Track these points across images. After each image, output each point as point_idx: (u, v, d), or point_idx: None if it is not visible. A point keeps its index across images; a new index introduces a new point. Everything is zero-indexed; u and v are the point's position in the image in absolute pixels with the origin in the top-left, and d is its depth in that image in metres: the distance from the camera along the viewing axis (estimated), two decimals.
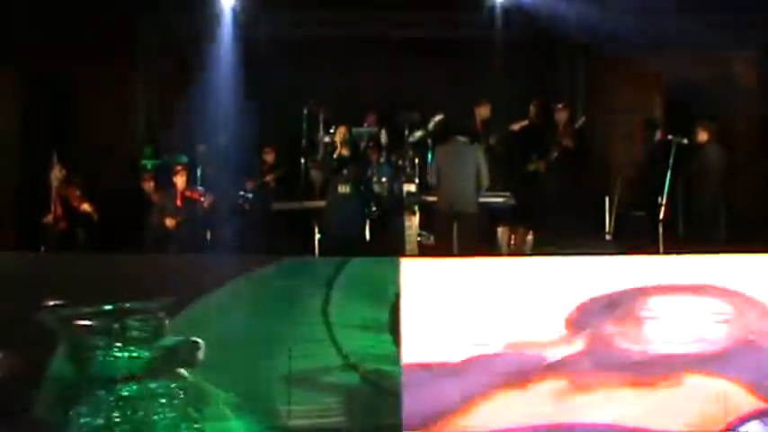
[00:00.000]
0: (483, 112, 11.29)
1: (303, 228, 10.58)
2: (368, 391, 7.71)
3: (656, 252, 9.52)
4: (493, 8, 12.20)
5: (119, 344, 8.40)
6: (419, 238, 10.43)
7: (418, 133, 11.29)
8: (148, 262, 8.85)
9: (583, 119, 11.24)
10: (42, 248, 10.09)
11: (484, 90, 11.73)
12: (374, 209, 10.44)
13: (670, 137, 10.29)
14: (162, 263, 8.80)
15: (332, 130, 11.06)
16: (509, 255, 10.04)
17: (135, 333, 8.44)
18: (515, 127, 11.40)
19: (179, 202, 10.48)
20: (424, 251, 10.27)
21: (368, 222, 10.38)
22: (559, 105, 11.30)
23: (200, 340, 8.19)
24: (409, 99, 12.03)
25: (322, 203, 10.37)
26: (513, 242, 10.18)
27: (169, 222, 10.30)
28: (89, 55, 11.89)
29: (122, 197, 11.40)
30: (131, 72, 12.52)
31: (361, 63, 12.14)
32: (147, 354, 8.34)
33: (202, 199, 10.59)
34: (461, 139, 10.09)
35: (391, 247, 10.31)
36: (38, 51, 11.80)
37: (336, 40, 12.05)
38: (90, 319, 8.28)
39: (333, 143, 10.61)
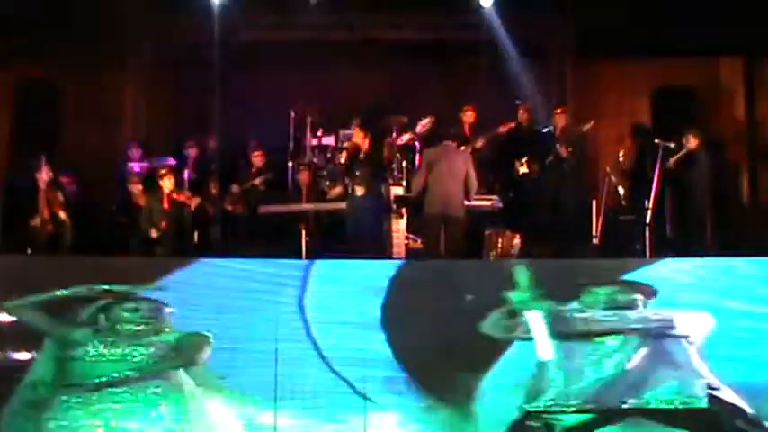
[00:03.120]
0: (468, 117, 11.29)
1: (290, 230, 10.57)
2: None
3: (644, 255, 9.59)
4: (481, 10, 12.17)
5: (108, 340, 7.75)
6: (406, 242, 10.38)
7: (406, 136, 11.28)
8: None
9: (591, 123, 11.19)
10: (29, 251, 10.04)
11: (471, 93, 11.73)
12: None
13: (657, 141, 10.32)
14: None
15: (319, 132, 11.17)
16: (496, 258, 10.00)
17: (128, 326, 7.85)
18: (502, 129, 11.41)
19: (166, 205, 10.44)
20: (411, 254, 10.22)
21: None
22: (558, 110, 11.33)
23: (209, 334, 7.87)
24: (397, 102, 12.02)
25: (309, 206, 10.36)
26: (499, 246, 10.15)
27: (153, 233, 10.27)
28: (78, 58, 11.87)
29: (110, 200, 11.43)
30: (119, 75, 12.50)
31: (348, 66, 12.12)
32: (141, 351, 7.80)
33: (189, 201, 10.55)
34: (450, 143, 10.09)
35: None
36: (26, 54, 11.78)
37: (323, 43, 12.04)
38: (69, 309, 7.92)
39: (349, 145, 10.62)
